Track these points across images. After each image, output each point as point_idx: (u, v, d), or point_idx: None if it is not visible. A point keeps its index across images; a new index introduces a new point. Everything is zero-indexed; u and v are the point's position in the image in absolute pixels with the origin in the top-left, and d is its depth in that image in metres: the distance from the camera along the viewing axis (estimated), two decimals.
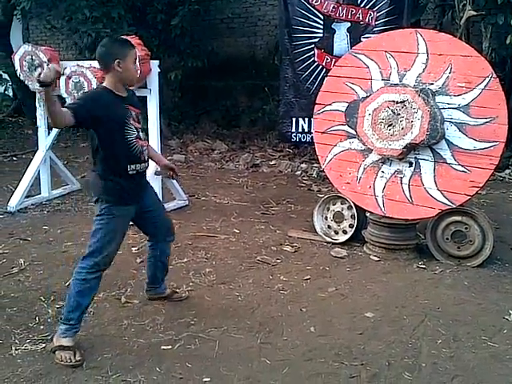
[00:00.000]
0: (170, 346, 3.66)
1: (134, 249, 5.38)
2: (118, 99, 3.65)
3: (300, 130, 8.64)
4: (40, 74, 3.16)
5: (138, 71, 3.80)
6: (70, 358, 3.47)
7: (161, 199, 4.46)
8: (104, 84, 3.69)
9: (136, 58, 3.75)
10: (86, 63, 6.64)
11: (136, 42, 6.14)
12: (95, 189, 3.71)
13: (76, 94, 6.51)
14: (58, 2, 9.28)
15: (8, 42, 12.36)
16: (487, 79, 4.80)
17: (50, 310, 4.13)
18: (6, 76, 12.88)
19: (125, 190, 3.67)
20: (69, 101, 6.65)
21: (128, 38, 6.19)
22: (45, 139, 7.19)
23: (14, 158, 10.01)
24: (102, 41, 3.78)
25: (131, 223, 3.92)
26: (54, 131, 7.18)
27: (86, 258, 3.63)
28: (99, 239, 3.62)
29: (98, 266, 3.63)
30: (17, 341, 3.72)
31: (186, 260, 5.16)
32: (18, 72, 6.91)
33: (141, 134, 3.76)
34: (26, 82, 6.94)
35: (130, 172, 3.66)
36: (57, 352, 3.51)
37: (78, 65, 6.56)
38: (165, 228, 4.12)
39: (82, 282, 3.59)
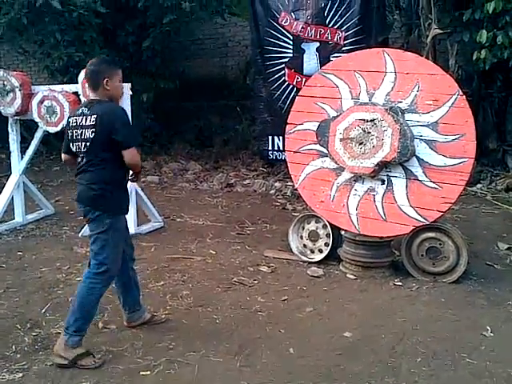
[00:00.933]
0: (148, 372, 3.64)
1: None
2: None
3: (276, 148, 8.72)
4: None
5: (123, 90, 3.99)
6: (94, 361, 3.71)
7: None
8: (100, 97, 3.84)
9: (121, 78, 3.91)
10: (58, 87, 6.68)
11: None
12: (100, 203, 3.78)
13: (48, 119, 6.51)
14: (29, 26, 9.25)
15: None
16: (454, 97, 4.88)
17: (26, 338, 4.07)
18: None
19: (125, 200, 3.93)
20: (41, 125, 6.66)
21: None
22: (18, 164, 7.15)
23: None
24: (91, 60, 3.94)
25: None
26: (28, 155, 7.15)
27: (100, 275, 3.78)
28: (109, 254, 3.78)
29: (111, 278, 3.89)
30: None
31: (162, 283, 5.13)
32: None
33: None
34: None
35: (125, 181, 3.93)
36: (79, 361, 3.68)
37: (50, 89, 6.60)
38: (131, 246, 4.24)
39: (99, 296, 3.82)
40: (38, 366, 3.71)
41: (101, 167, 3.74)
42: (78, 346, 3.72)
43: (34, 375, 3.62)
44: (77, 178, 3.88)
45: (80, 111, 3.81)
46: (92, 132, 3.70)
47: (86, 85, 6.08)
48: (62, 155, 4.08)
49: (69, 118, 3.93)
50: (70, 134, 3.85)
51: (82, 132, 3.75)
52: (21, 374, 3.62)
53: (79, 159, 3.84)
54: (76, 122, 3.80)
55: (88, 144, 3.72)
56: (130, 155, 3.74)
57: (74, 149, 3.83)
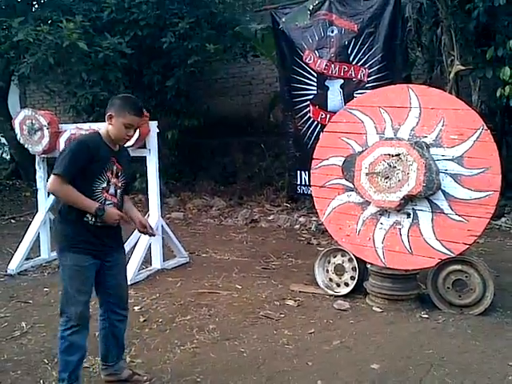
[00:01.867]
0: None
1: (136, 308, 5.38)
2: (105, 148, 3.64)
3: (303, 182, 8.78)
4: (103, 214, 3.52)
5: (130, 138, 3.77)
6: None
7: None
8: (101, 130, 3.73)
9: (132, 125, 3.64)
10: (86, 126, 6.80)
11: None
12: (55, 236, 3.69)
13: None
14: (55, 66, 9.48)
15: (6, 107, 12.56)
16: (479, 131, 4.92)
17: (54, 373, 4.06)
18: (3, 140, 13.08)
19: (81, 238, 3.55)
20: None
21: None
22: (44, 201, 7.24)
23: (13, 221, 10.09)
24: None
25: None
26: None
27: (60, 317, 3.59)
28: (64, 293, 3.58)
29: (71, 322, 3.52)
30: None
31: (189, 317, 5.16)
32: (18, 136, 7.03)
33: (113, 189, 3.67)
34: (25, 146, 7.04)
35: (89, 221, 3.56)
36: None
37: (77, 127, 6.72)
38: (118, 297, 3.84)
39: (61, 340, 3.55)
40: None
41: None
42: None
43: None
44: None
45: None
46: None
47: None
48: None
49: None
50: None
51: None
52: None
53: None
54: None
55: None
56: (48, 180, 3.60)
57: None
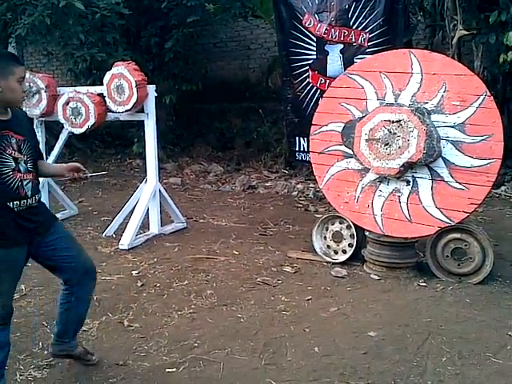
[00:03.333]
0: (174, 369, 3.65)
1: (134, 272, 5.39)
2: None
3: (301, 149, 8.69)
4: None
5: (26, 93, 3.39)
6: None
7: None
8: None
9: (23, 77, 3.16)
10: (84, 89, 6.75)
11: (133, 67, 6.22)
12: None
13: (73, 120, 6.60)
14: (53, 28, 9.34)
15: None
16: (481, 97, 4.85)
17: (53, 335, 4.06)
18: None
19: (2, 230, 3.10)
20: (66, 126, 6.74)
21: (125, 63, 6.33)
22: None
23: None
24: None
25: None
26: (53, 156, 7.24)
27: None
28: None
29: None
30: (21, 366, 3.70)
31: (186, 282, 5.15)
32: None
33: (22, 165, 3.18)
34: (23, 109, 6.95)
35: (14, 208, 3.12)
36: None
37: (75, 90, 6.66)
38: (82, 265, 3.49)
39: None
40: (65, 362, 3.74)
41: None
42: None
43: (61, 371, 3.66)
44: None
45: None
46: None
47: (111, 86, 6.25)
48: None
49: None
50: None
51: None
52: (48, 371, 3.66)
53: None
54: None
55: None
56: None
57: None
